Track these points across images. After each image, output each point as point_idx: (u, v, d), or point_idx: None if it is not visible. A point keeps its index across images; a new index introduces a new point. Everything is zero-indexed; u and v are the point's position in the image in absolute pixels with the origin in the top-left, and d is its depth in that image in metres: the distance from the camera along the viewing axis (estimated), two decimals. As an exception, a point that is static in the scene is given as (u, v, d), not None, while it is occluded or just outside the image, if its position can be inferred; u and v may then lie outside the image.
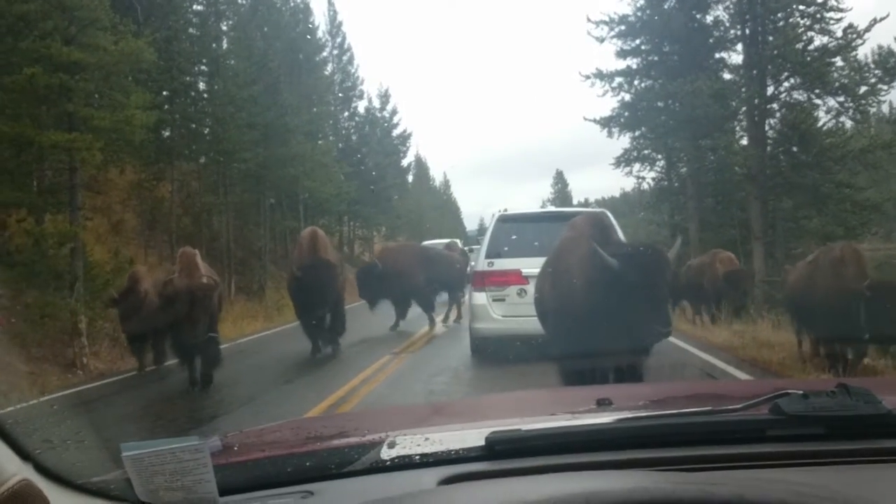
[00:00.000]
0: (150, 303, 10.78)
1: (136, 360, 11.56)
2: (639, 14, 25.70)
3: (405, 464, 1.50)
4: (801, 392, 1.53)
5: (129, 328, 11.15)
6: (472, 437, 1.55)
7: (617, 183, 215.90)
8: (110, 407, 8.93)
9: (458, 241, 30.74)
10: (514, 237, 10.68)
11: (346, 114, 43.33)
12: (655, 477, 1.23)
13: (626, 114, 25.84)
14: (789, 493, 0.92)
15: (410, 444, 1.57)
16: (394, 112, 48.99)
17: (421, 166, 78.59)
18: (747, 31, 23.41)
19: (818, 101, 22.44)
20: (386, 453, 1.53)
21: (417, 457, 1.51)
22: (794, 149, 22.72)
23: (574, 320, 5.75)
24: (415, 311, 16.04)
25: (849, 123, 22.87)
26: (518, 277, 10.27)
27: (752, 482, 1.13)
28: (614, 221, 6.99)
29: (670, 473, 1.31)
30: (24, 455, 1.10)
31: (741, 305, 13.55)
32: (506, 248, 10.56)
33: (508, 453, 1.49)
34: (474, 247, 31.29)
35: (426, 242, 32.59)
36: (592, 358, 5.88)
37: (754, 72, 22.67)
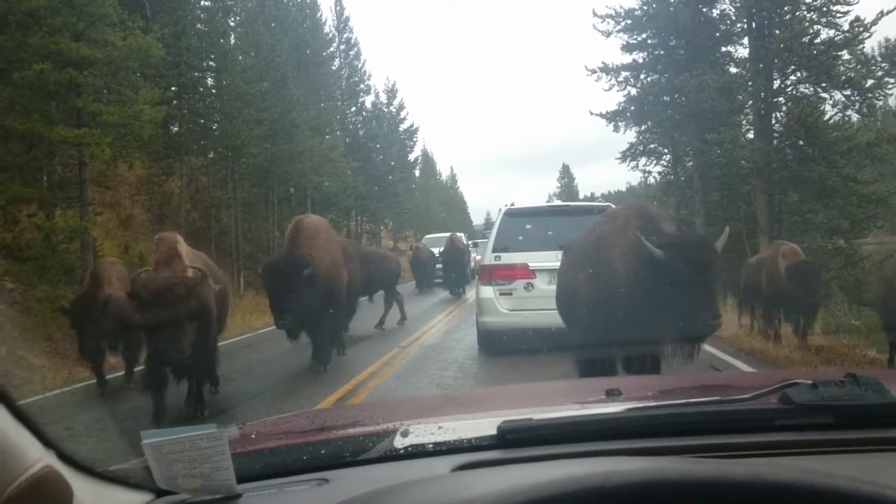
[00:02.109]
0: (117, 309, 8.53)
1: (97, 377, 9.43)
2: (645, 8, 25.61)
3: (418, 452, 1.51)
4: (809, 382, 1.54)
5: (85, 344, 8.69)
6: (484, 426, 1.57)
7: (623, 177, 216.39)
8: (122, 400, 8.93)
9: (462, 234, 30.67)
10: (521, 231, 10.68)
11: (353, 109, 43.42)
12: (670, 459, 1.25)
13: (633, 108, 25.74)
14: (803, 471, 0.94)
15: (423, 432, 1.59)
16: (401, 107, 49.11)
17: (428, 161, 78.69)
18: (753, 25, 23.30)
19: (824, 95, 22.31)
20: (399, 441, 1.55)
21: (430, 445, 1.53)
22: (801, 142, 22.58)
23: (620, 313, 5.61)
24: (416, 309, 16.07)
25: (855, 117, 22.76)
26: (525, 271, 10.29)
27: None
28: (659, 212, 6.72)
29: (683, 458, 1.33)
30: (46, 442, 1.12)
31: (809, 308, 10.66)
32: (513, 242, 10.57)
33: (520, 442, 1.50)
34: (479, 241, 31.21)
35: (428, 236, 32.58)
36: (621, 349, 5.82)
37: (761, 65, 22.55)
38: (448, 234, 26.41)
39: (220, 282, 8.19)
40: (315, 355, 9.95)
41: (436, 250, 25.63)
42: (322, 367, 9.72)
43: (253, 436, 1.82)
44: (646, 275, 5.45)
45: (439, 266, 24.67)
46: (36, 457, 1.07)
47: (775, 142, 23.12)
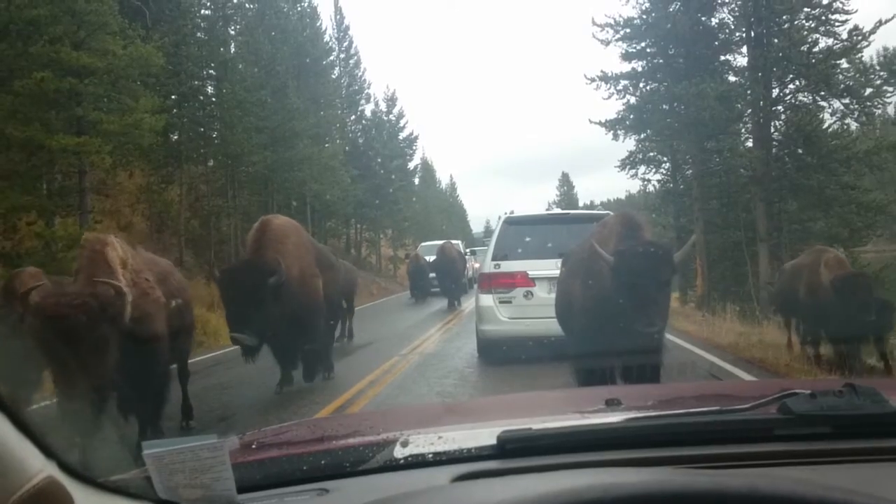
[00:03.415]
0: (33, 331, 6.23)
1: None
2: (644, 17, 25.66)
3: (418, 462, 1.51)
4: (808, 392, 1.54)
5: None
6: (484, 435, 1.57)
7: (622, 185, 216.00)
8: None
9: (458, 242, 30.43)
10: (520, 239, 10.70)
11: (353, 117, 43.52)
12: (669, 471, 1.25)
13: (632, 116, 25.74)
14: (800, 483, 0.95)
15: (423, 442, 1.59)
16: (400, 115, 49.15)
17: (427, 169, 78.66)
18: (752, 34, 23.35)
19: (823, 104, 22.38)
20: (399, 452, 1.55)
21: (430, 455, 1.52)
22: (800, 151, 22.64)
23: (605, 321, 5.76)
24: (409, 320, 15.96)
25: (854, 125, 22.84)
26: (525, 279, 10.29)
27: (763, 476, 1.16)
28: (645, 219, 6.80)
29: (682, 469, 1.33)
30: (47, 452, 1.12)
31: (862, 327, 8.78)
32: (512, 251, 10.58)
33: (520, 452, 1.50)
34: (478, 248, 31.11)
35: (424, 244, 32.43)
36: (615, 358, 5.88)
37: (759, 74, 22.60)
38: (440, 243, 25.88)
39: (179, 294, 6.69)
40: (283, 379, 8.71)
41: (431, 258, 24.72)
42: (326, 375, 9.01)
43: (253, 446, 1.82)
44: (607, 282, 5.61)
45: (433, 275, 23.96)
46: (38, 467, 1.07)
47: (774, 150, 23.17)
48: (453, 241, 27.49)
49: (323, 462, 1.55)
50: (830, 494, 0.90)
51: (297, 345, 8.61)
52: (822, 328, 9.74)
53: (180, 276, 7.44)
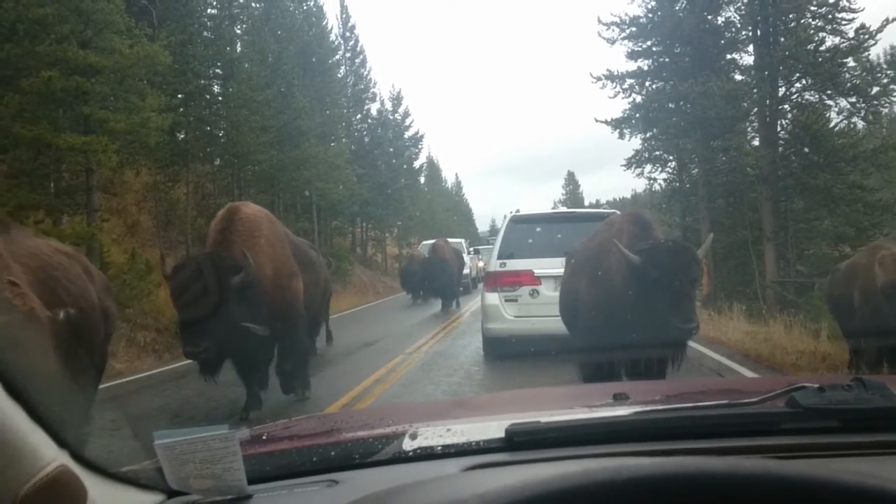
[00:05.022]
0: None
1: None
2: (650, 16, 25.63)
3: (427, 454, 1.52)
4: (816, 385, 1.54)
5: None
6: (493, 428, 1.58)
7: (628, 184, 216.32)
8: (135, 402, 8.93)
9: (460, 240, 30.24)
10: (526, 238, 10.70)
11: (359, 116, 43.45)
12: (681, 457, 1.26)
13: (638, 115, 25.73)
14: (812, 466, 0.95)
15: (432, 435, 1.60)
16: (406, 114, 49.08)
17: (433, 168, 78.62)
18: (759, 32, 23.30)
19: (830, 102, 22.32)
20: (408, 444, 1.55)
21: (439, 447, 1.53)
22: (806, 150, 22.56)
23: (614, 319, 5.77)
24: (416, 316, 15.97)
25: (861, 124, 22.75)
26: (530, 278, 10.30)
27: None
28: (653, 218, 6.77)
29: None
30: (60, 442, 1.13)
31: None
32: (518, 249, 10.58)
33: (528, 445, 1.51)
34: (480, 247, 31.09)
35: (425, 242, 32.29)
36: (626, 355, 5.87)
37: (766, 73, 22.53)
38: (432, 242, 25.03)
39: (76, 301, 4.60)
40: (249, 402, 7.33)
41: None
42: (300, 393, 7.89)
43: (263, 437, 1.83)
44: (629, 280, 5.60)
45: None
46: (51, 456, 1.08)
47: (781, 149, 23.10)
48: (454, 240, 27.18)
49: (333, 454, 1.55)
50: (842, 477, 0.90)
51: (268, 360, 7.44)
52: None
53: (79, 273, 4.99)
